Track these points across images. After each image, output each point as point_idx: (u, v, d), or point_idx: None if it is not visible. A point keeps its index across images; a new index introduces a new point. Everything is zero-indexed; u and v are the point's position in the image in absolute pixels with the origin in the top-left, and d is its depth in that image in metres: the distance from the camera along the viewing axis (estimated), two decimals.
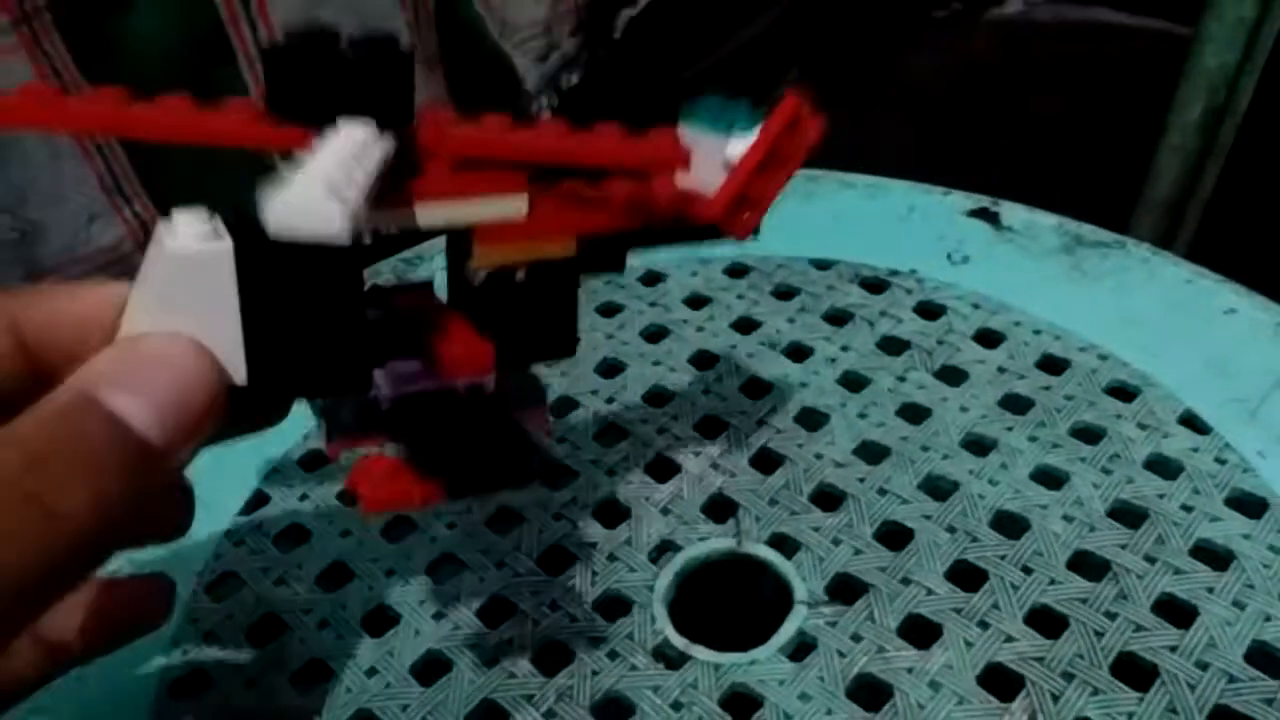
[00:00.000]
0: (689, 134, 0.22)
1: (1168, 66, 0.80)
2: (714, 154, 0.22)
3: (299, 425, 0.23)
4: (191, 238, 0.18)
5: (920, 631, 0.28)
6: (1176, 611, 0.28)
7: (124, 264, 0.55)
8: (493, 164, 0.20)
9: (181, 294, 0.18)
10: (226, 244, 0.18)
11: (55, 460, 0.16)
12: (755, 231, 0.23)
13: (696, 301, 0.39)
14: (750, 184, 0.22)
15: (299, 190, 0.15)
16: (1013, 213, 0.41)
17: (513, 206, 0.20)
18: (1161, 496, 0.30)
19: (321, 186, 0.15)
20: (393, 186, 0.19)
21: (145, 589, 0.23)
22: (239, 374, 0.19)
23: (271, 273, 0.18)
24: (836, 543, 0.30)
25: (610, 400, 0.36)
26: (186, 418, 0.17)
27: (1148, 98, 0.83)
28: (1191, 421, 0.32)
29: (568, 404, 0.36)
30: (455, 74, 0.74)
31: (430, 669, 0.28)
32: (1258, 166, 0.85)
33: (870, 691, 0.27)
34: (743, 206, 0.22)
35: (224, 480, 0.33)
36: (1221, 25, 0.76)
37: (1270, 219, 0.88)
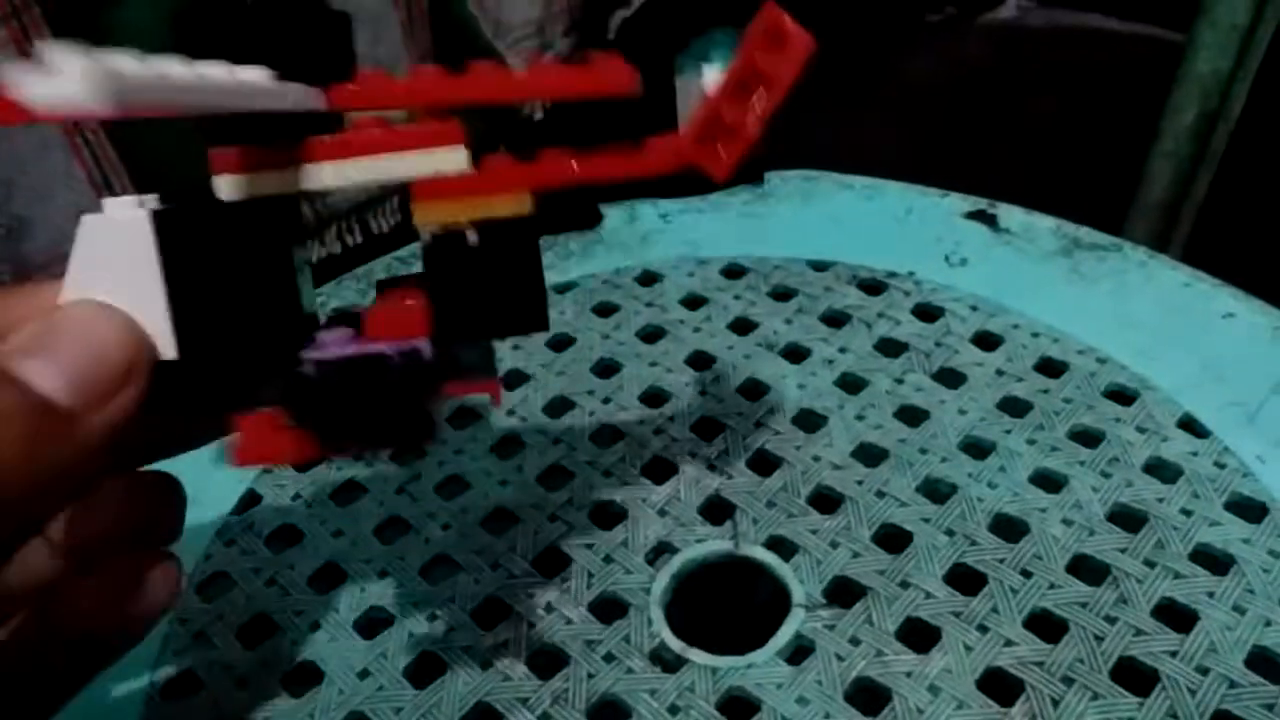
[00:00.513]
0: (680, 77, 0.20)
1: (1160, 72, 0.80)
2: (694, 90, 0.20)
3: None
4: (115, 209, 0.18)
5: (919, 635, 0.28)
6: (1177, 616, 0.27)
7: None
8: (428, 113, 0.19)
9: (106, 266, 0.18)
10: (144, 211, 0.18)
11: None
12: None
13: (693, 302, 0.39)
14: (723, 111, 0.19)
15: (61, 57, 0.14)
16: (1010, 215, 0.41)
17: (451, 160, 0.19)
18: (1161, 500, 0.30)
19: (85, 56, 0.14)
20: (317, 142, 0.19)
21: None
22: (169, 348, 0.19)
23: (193, 241, 0.18)
24: (835, 545, 0.30)
25: (606, 401, 0.35)
26: (97, 378, 0.17)
27: (1140, 103, 0.84)
28: (1190, 425, 0.32)
29: (564, 404, 0.35)
30: None
31: (424, 671, 0.28)
32: (1251, 172, 0.85)
33: (869, 696, 0.27)
34: (717, 138, 0.20)
35: (215, 479, 0.33)
36: (1215, 31, 0.76)
37: (1264, 224, 0.88)
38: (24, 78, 0.12)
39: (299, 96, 0.18)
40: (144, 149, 0.55)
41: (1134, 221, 0.84)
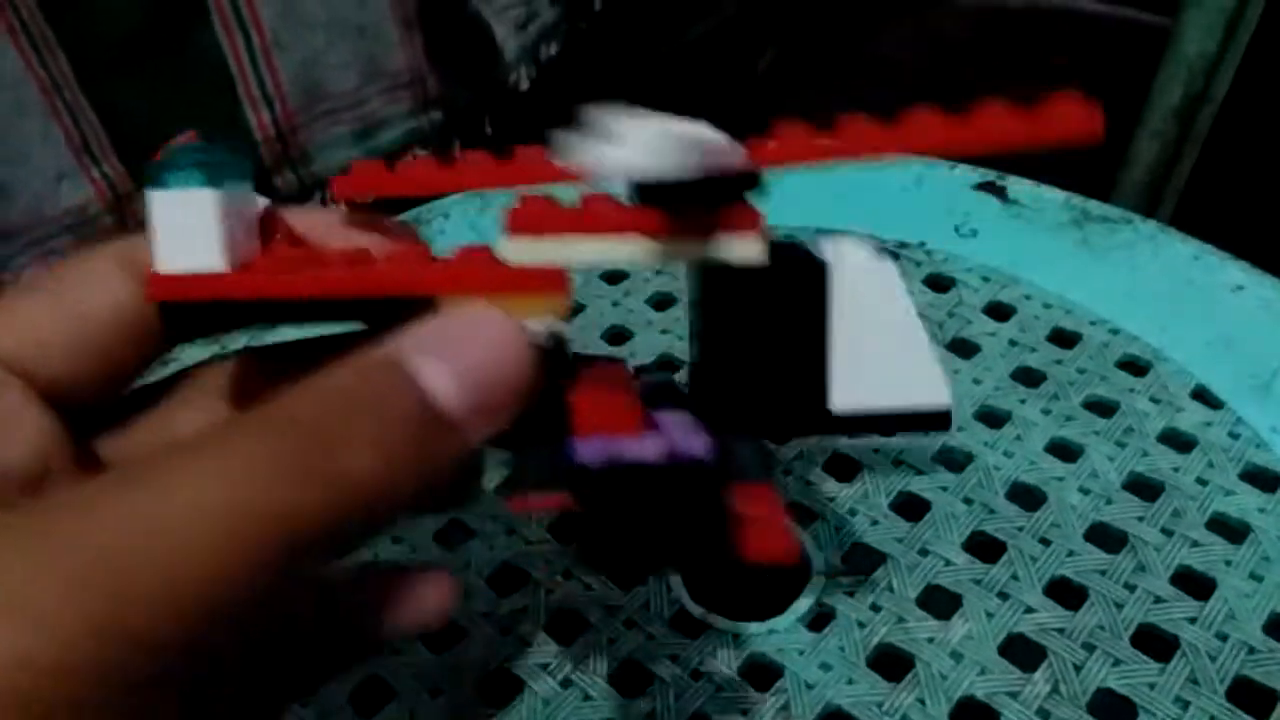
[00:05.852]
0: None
1: (1140, 56, 0.81)
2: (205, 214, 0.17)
3: None
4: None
5: (940, 602, 0.28)
6: (1195, 583, 0.28)
7: (91, 226, 0.53)
8: None
9: None
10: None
11: (349, 418, 0.14)
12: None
13: None
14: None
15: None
16: (1020, 187, 0.41)
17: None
18: (1176, 470, 0.30)
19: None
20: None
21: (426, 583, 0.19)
22: None
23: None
24: (853, 513, 0.30)
25: None
26: (491, 396, 0.16)
27: (1120, 88, 0.84)
28: (1204, 396, 0.32)
29: None
30: (433, 40, 0.73)
31: (442, 636, 0.28)
32: (1236, 154, 0.86)
33: (891, 661, 0.27)
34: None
35: None
36: (1202, 13, 0.77)
37: (1245, 205, 0.89)
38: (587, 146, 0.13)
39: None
40: (123, 111, 0.53)
41: (1118, 202, 0.84)
